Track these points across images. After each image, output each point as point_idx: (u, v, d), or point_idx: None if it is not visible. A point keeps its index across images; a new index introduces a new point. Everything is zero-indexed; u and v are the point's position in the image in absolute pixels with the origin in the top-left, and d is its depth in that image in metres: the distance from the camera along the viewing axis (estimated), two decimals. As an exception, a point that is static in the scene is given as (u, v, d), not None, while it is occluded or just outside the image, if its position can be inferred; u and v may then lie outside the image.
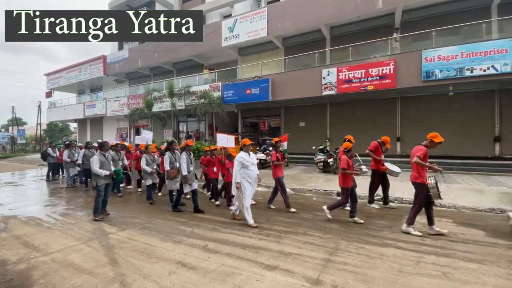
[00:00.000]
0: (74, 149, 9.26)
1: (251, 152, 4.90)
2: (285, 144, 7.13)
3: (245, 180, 4.69)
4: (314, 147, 11.24)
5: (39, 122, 36.60)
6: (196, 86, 16.03)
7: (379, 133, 7.37)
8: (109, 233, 4.73)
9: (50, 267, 3.57)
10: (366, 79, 10.74)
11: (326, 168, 10.36)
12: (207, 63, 18.13)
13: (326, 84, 11.59)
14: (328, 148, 11.28)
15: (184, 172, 5.31)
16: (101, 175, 5.35)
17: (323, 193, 7.38)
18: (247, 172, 4.65)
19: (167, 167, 5.68)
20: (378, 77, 10.55)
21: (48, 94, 27.33)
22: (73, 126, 43.81)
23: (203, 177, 6.87)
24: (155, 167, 6.74)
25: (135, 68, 20.30)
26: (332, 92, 11.42)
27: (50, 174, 10.61)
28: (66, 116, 25.06)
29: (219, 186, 6.75)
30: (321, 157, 10.35)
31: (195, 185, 5.54)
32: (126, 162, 7.38)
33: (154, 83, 19.06)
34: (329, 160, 10.09)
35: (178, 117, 19.04)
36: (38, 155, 26.51)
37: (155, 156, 7.12)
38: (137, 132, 20.96)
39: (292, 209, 5.55)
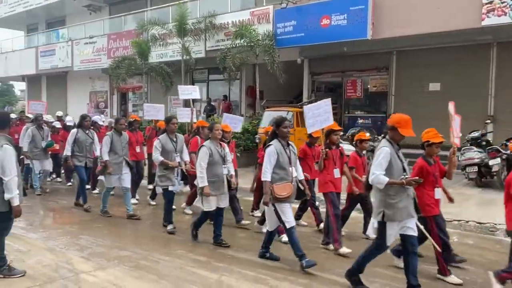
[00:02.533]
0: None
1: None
2: None
3: None
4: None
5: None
6: (227, 14, 15.60)
7: None
8: (80, 271, 4.98)
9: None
10: None
11: (484, 178, 9.73)
12: (247, -29, 17.76)
13: (491, 3, 10.47)
14: (489, 137, 10.50)
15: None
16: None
17: (477, 229, 7.01)
18: None
19: None
20: None
21: (-21, 33, 28.32)
22: (19, 88, 45.89)
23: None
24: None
25: (121, -17, 21.10)
26: (505, 19, 10.35)
27: None
28: (8, 71, 26.43)
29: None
30: (473, 154, 9.61)
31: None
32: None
33: (153, 10, 18.90)
34: (491, 162, 9.35)
35: (193, 74, 18.96)
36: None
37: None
38: (123, 99, 21.32)
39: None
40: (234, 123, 8.13)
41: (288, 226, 4.90)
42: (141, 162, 9.08)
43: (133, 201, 8.34)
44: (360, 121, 13.91)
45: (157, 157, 6.40)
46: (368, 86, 14.42)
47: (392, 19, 11.73)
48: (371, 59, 13.78)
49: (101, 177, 7.78)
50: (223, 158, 5.86)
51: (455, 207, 7.68)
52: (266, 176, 4.90)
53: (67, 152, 7.93)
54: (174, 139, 6.64)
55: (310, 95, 15.24)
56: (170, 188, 6.55)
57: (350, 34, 12.28)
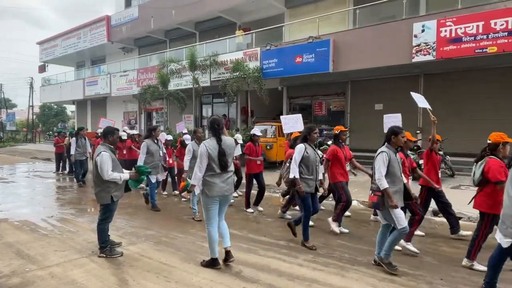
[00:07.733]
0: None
1: None
2: None
3: None
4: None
5: (31, 104, 35.58)
6: (226, 54, 15.33)
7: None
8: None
9: (48, 284, 3.67)
10: (485, 37, 9.50)
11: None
12: (241, 21, 17.25)
13: (419, 45, 10.48)
14: (419, 143, 10.46)
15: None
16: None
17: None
18: None
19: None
20: (506, 33, 9.22)
21: (41, 69, 28.55)
22: (70, 109, 44.74)
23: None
24: None
25: (147, 31, 20.14)
26: (429, 57, 10.27)
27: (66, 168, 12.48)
28: (62, 97, 26.04)
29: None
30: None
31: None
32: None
33: (171, 51, 18.63)
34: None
35: (201, 98, 18.57)
36: (30, 146, 27.36)
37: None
38: (149, 117, 21.11)
39: (344, 230, 5.30)
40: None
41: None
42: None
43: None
44: (325, 132, 13.73)
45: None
46: (330, 106, 14.32)
47: (347, 57, 11.69)
48: (332, 86, 13.72)
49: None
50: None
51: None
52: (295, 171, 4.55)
53: (294, 173, 4.72)
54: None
55: (288, 113, 15.05)
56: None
57: (317, 68, 12.22)
